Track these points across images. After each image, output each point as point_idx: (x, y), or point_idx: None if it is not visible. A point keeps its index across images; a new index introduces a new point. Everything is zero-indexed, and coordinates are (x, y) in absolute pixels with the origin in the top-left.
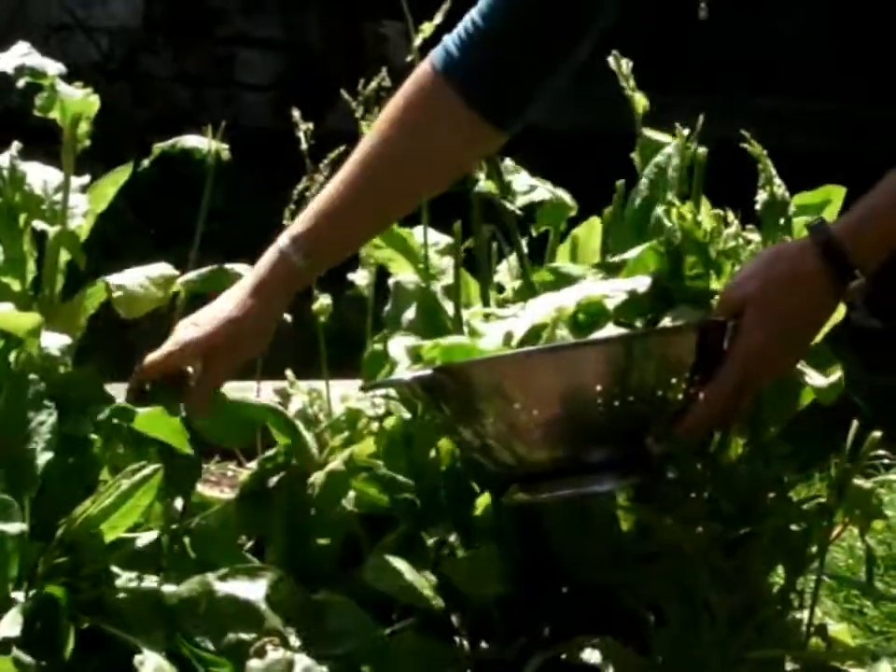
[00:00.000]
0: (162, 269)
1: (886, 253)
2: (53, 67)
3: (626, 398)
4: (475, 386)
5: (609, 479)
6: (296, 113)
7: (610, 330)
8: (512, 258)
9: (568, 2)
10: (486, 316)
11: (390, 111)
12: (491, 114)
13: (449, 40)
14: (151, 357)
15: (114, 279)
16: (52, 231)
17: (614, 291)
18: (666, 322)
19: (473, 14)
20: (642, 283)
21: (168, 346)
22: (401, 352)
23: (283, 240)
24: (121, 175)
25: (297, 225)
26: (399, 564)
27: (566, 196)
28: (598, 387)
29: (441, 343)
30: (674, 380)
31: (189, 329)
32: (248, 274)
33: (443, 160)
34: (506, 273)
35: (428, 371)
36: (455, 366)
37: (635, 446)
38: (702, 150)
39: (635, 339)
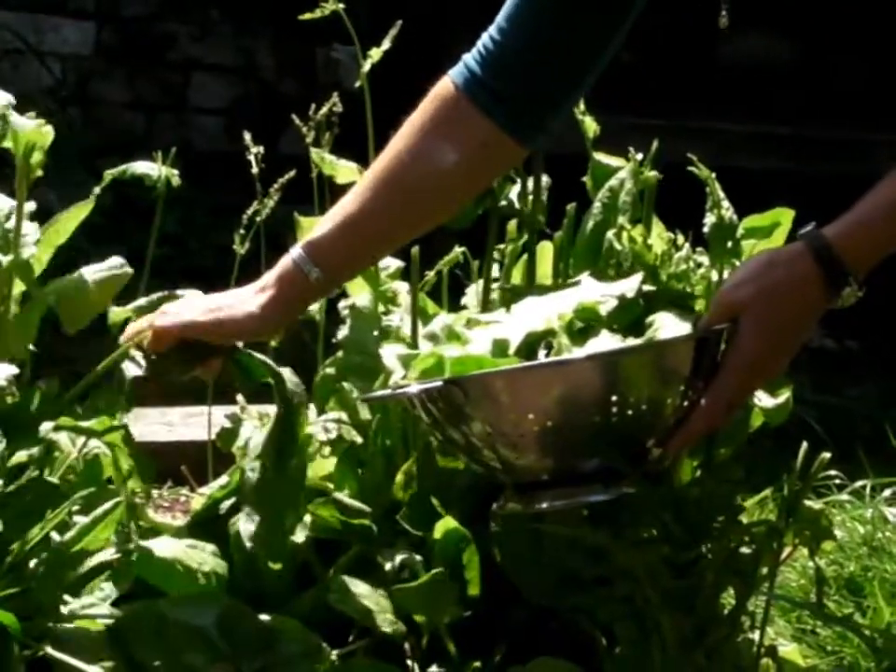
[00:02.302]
0: (112, 263)
1: (876, 260)
2: (3, 98)
3: (625, 409)
4: (484, 398)
5: (603, 489)
6: (247, 136)
7: (607, 338)
8: (481, 282)
9: (588, 17)
10: (468, 322)
11: (410, 130)
12: (514, 130)
13: (469, 57)
14: (166, 323)
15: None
16: (5, 260)
17: (605, 296)
18: (657, 328)
19: (492, 31)
20: (630, 287)
21: (200, 317)
22: (394, 361)
23: (297, 251)
24: (82, 209)
25: (312, 234)
26: (363, 587)
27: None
28: (600, 398)
29: (437, 351)
30: (670, 390)
31: (222, 311)
32: (269, 276)
33: (464, 178)
34: (473, 296)
35: (438, 383)
36: (466, 378)
37: (631, 456)
38: (652, 174)
39: (630, 353)
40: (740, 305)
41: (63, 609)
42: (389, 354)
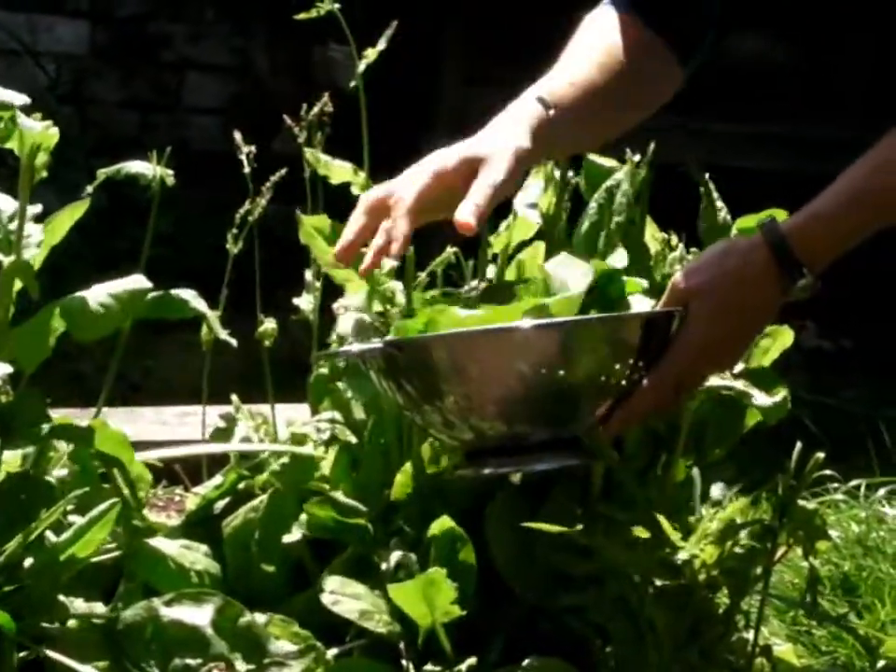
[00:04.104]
0: (134, 282)
1: (835, 253)
2: (19, 99)
3: (573, 381)
4: (425, 361)
5: (549, 458)
6: (238, 136)
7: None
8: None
9: None
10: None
11: (586, 41)
12: (676, 43)
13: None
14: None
15: (75, 297)
16: (7, 260)
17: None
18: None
19: None
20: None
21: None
22: (349, 327)
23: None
24: (78, 209)
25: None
26: (358, 587)
27: (529, 216)
28: (546, 369)
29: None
30: (619, 366)
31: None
32: (516, 116)
33: (645, 85)
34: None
35: (378, 344)
36: (407, 340)
37: (578, 429)
38: (647, 175)
39: (584, 324)
40: (692, 292)
41: (58, 609)
42: (346, 320)
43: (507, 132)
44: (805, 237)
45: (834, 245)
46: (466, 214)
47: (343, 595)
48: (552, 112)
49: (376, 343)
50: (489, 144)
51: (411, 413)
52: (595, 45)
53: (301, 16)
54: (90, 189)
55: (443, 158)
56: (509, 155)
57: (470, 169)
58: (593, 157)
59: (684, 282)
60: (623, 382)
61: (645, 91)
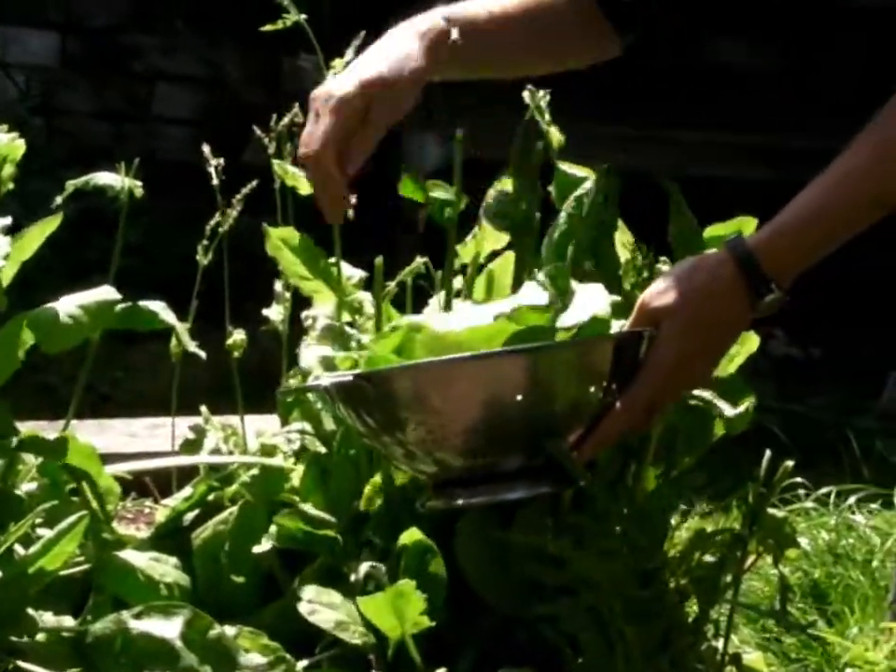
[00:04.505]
0: (104, 293)
1: (801, 267)
2: None
3: (542, 407)
4: (395, 393)
5: (521, 487)
6: (206, 148)
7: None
8: (442, 294)
9: None
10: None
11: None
12: (612, 14)
13: None
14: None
15: (44, 309)
16: None
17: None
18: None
19: None
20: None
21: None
22: (314, 362)
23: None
24: (49, 224)
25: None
26: (335, 597)
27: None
28: (516, 396)
29: (354, 355)
30: (591, 390)
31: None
32: (412, 30)
33: (565, 40)
34: (436, 306)
35: (348, 377)
36: (376, 372)
37: (549, 455)
38: (616, 183)
39: (552, 350)
40: (662, 311)
41: (27, 623)
42: (310, 355)
43: (405, 51)
44: (771, 251)
45: (801, 258)
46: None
47: (320, 605)
48: (455, 35)
49: (345, 376)
50: (388, 66)
51: (379, 446)
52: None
53: (268, 27)
54: (59, 200)
55: (344, 89)
56: (407, 82)
57: (369, 96)
58: (564, 166)
59: (652, 301)
60: (595, 405)
61: (562, 47)
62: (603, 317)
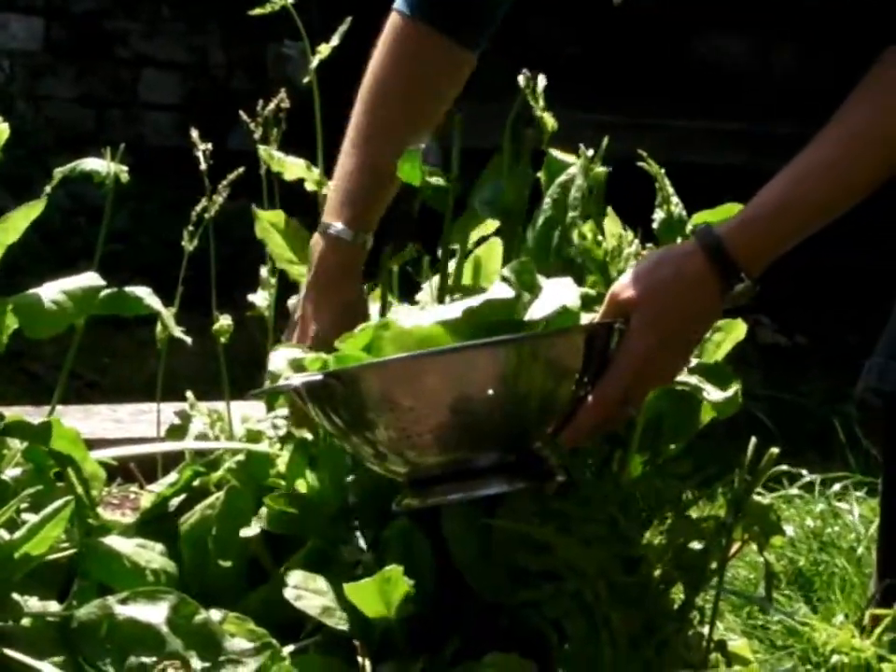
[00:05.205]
0: (88, 279)
1: (770, 257)
2: None
3: (515, 401)
4: (365, 391)
5: (497, 482)
6: (194, 133)
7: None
8: (435, 279)
9: None
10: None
11: (377, 63)
12: (461, 35)
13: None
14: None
15: (28, 295)
16: None
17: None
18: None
19: None
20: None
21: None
22: (283, 364)
23: (336, 229)
24: (34, 209)
25: (345, 210)
26: (321, 583)
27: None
28: (487, 391)
29: (324, 356)
30: (561, 383)
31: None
32: (325, 272)
33: (432, 89)
34: (428, 293)
35: (318, 376)
36: (345, 370)
37: (524, 450)
38: (601, 170)
39: (522, 342)
40: (631, 303)
41: (12, 608)
42: (278, 357)
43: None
44: (740, 241)
45: (770, 247)
46: None
47: (306, 591)
48: (368, 241)
49: (314, 376)
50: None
51: (350, 446)
52: (398, 79)
53: (257, 11)
54: (48, 189)
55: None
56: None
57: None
58: (554, 152)
59: (622, 293)
60: (568, 398)
61: (449, 91)
62: (572, 310)
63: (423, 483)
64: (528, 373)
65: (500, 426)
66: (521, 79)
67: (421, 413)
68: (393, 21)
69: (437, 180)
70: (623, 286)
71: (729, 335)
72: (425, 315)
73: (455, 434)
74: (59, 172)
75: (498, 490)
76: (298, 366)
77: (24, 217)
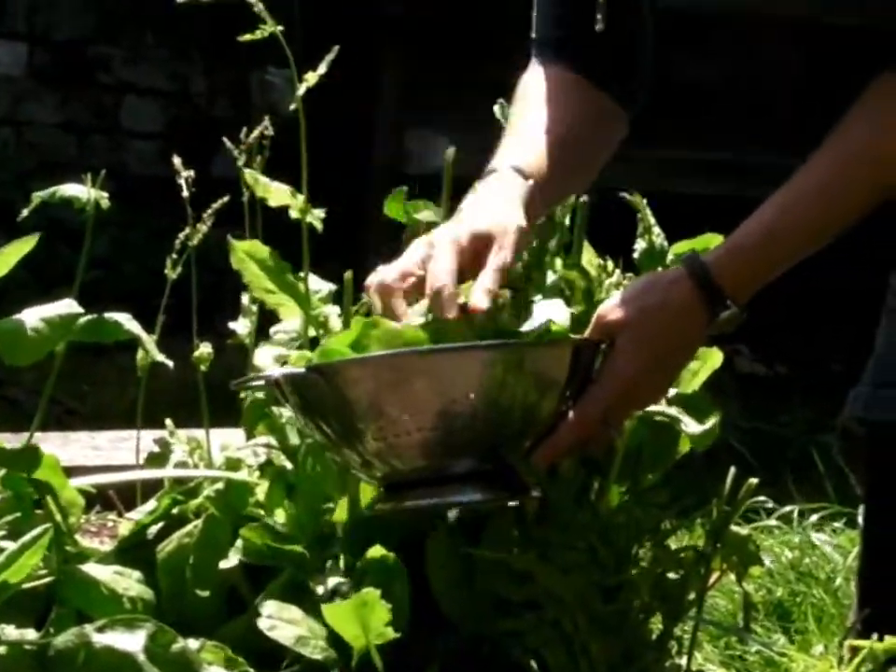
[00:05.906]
0: (66, 306)
1: (758, 285)
2: None
3: (497, 408)
4: (346, 386)
5: (471, 491)
6: (177, 160)
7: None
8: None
9: None
10: None
11: (538, 114)
12: (621, 96)
13: (542, 57)
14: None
15: (7, 321)
16: None
17: None
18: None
19: (547, 31)
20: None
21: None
22: (269, 360)
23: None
24: (25, 244)
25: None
26: (295, 612)
27: None
28: (469, 394)
29: (308, 354)
30: (545, 395)
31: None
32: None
33: (599, 144)
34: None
35: (301, 370)
36: (328, 365)
37: (501, 461)
38: (583, 199)
39: (509, 347)
40: (618, 325)
41: None
42: (264, 354)
43: (504, 211)
44: (727, 268)
45: (757, 275)
46: (480, 299)
47: (280, 620)
48: (531, 182)
49: (296, 370)
50: (494, 222)
51: (330, 449)
52: (549, 115)
53: (246, 37)
54: (25, 212)
55: (456, 234)
56: (514, 237)
57: (480, 245)
58: None
59: (608, 315)
60: (549, 412)
61: (602, 144)
62: (562, 328)
63: (398, 487)
64: (513, 381)
65: (480, 432)
66: (496, 109)
67: (401, 413)
68: (540, 77)
69: (427, 216)
70: (611, 308)
71: (705, 364)
72: (412, 316)
73: (433, 437)
74: (37, 196)
75: (472, 498)
76: (283, 362)
77: (16, 252)
